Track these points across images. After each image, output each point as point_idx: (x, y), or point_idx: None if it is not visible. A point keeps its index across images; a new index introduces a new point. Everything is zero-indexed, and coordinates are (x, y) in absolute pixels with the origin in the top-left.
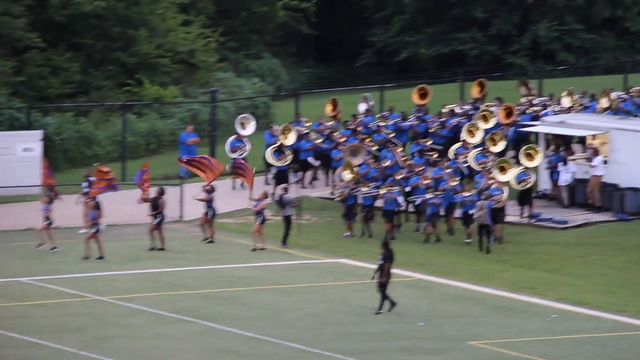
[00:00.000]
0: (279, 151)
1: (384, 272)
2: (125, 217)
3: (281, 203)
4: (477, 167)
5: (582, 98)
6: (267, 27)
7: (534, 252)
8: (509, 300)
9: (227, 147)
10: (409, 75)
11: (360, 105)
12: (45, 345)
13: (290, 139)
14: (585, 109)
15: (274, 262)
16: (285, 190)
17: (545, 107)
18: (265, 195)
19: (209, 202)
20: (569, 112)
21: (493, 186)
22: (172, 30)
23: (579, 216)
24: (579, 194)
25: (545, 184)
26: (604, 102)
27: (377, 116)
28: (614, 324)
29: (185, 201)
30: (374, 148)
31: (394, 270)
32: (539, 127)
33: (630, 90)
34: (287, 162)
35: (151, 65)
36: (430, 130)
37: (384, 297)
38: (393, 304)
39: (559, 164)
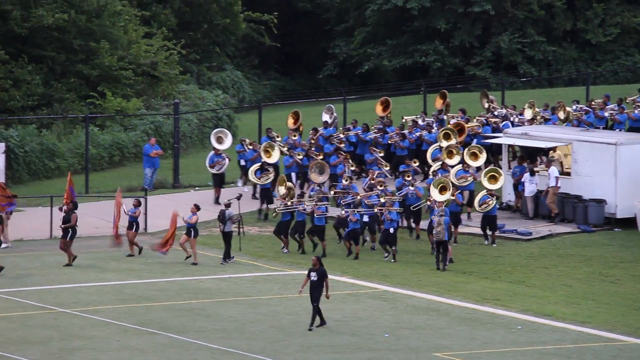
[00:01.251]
0: (262, 169)
1: (326, 288)
2: (88, 229)
3: (222, 219)
4: (457, 182)
5: (544, 111)
6: (229, 39)
7: (498, 264)
8: (474, 312)
9: (207, 162)
10: (372, 87)
11: (324, 115)
12: (9, 357)
13: (274, 157)
14: (546, 121)
15: (239, 274)
16: (228, 206)
17: (505, 118)
18: (198, 209)
19: (134, 217)
20: (530, 124)
21: (482, 194)
22: (134, 42)
23: (543, 228)
24: (542, 206)
25: (509, 196)
26: (560, 115)
27: (340, 129)
28: (578, 335)
29: (149, 213)
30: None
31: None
32: (502, 139)
33: (592, 103)
34: (270, 180)
35: (113, 78)
36: (390, 142)
37: (319, 312)
38: (322, 320)
39: (525, 175)
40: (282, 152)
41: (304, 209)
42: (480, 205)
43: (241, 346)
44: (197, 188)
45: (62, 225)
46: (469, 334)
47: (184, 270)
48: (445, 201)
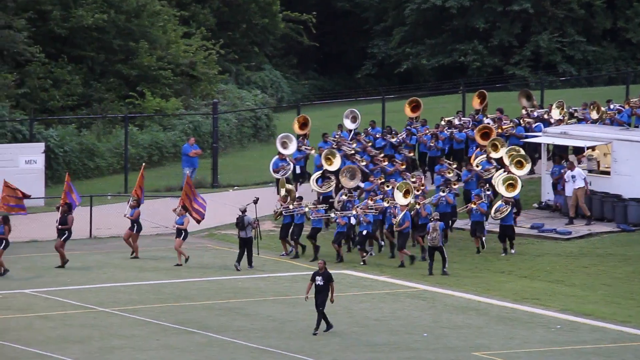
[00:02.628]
0: (323, 177)
1: (331, 292)
2: (118, 230)
3: (242, 225)
4: (484, 175)
5: (584, 109)
6: (268, 38)
7: (537, 263)
8: (513, 311)
9: (271, 166)
10: (410, 86)
11: (345, 121)
12: (49, 356)
13: (336, 165)
14: (579, 121)
15: (278, 273)
16: (244, 211)
17: (539, 120)
18: (186, 211)
19: (135, 218)
20: (558, 125)
21: (479, 202)
22: (173, 42)
23: (582, 227)
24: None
25: (548, 195)
26: (593, 114)
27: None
28: (618, 335)
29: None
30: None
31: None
32: (542, 138)
33: (630, 102)
34: (332, 188)
35: (152, 78)
36: (420, 142)
37: (324, 316)
38: (327, 324)
39: (567, 173)
40: (347, 156)
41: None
42: (495, 213)
43: (280, 345)
44: (235, 188)
45: (59, 226)
46: (507, 333)
47: (223, 269)
48: (408, 204)
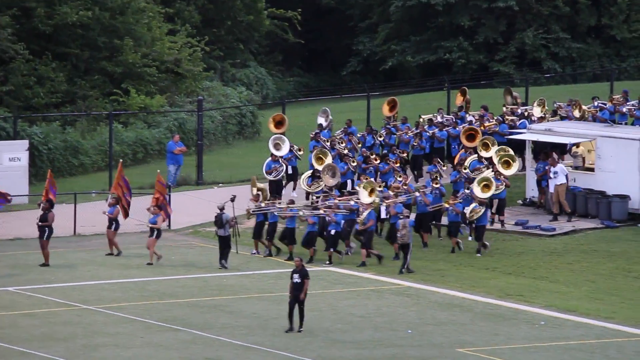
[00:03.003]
0: (313, 176)
1: (303, 290)
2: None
3: (220, 223)
4: (472, 175)
5: (568, 106)
6: (253, 35)
7: (522, 260)
8: (497, 308)
9: (264, 168)
10: (395, 83)
11: (319, 118)
12: (33, 354)
13: (327, 162)
14: (562, 118)
15: (262, 270)
16: (222, 209)
17: (524, 116)
18: (161, 209)
19: (115, 216)
20: (539, 122)
21: (457, 202)
22: (157, 39)
23: (566, 224)
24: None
25: (532, 192)
26: (576, 113)
27: (337, 132)
28: (602, 331)
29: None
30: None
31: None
32: (526, 135)
33: (614, 99)
34: (320, 188)
35: (137, 75)
36: (400, 141)
37: (301, 315)
38: (301, 323)
39: (552, 170)
40: (341, 157)
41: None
42: (469, 213)
43: (264, 342)
44: (220, 185)
45: (39, 223)
46: (492, 329)
47: (208, 266)
48: (372, 203)
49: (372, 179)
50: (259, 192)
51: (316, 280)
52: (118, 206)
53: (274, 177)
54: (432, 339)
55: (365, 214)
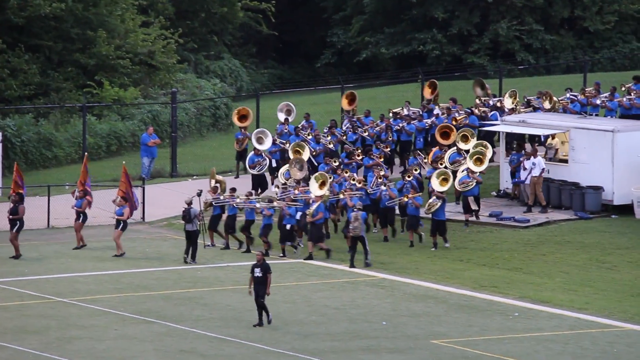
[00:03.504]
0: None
1: (267, 284)
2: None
3: (188, 218)
4: (450, 167)
5: (537, 99)
6: (227, 27)
7: (496, 251)
8: (471, 299)
9: (247, 163)
10: (370, 75)
11: (279, 114)
12: (6, 347)
13: (305, 157)
14: (535, 109)
15: (236, 263)
16: (190, 204)
17: (496, 108)
18: (127, 202)
19: (83, 209)
20: (510, 114)
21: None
22: (131, 31)
23: (540, 215)
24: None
25: (507, 183)
26: (546, 104)
27: (300, 126)
28: (576, 322)
29: (147, 202)
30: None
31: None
32: (500, 127)
33: (586, 91)
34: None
35: (111, 67)
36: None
37: (264, 308)
38: (268, 316)
39: (526, 162)
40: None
41: (236, 204)
42: (426, 207)
43: (239, 334)
44: (194, 177)
45: (10, 217)
46: (466, 321)
47: (181, 259)
48: (322, 196)
49: (353, 173)
50: (218, 185)
51: (290, 272)
52: (86, 199)
53: (258, 171)
54: (407, 331)
55: (314, 206)
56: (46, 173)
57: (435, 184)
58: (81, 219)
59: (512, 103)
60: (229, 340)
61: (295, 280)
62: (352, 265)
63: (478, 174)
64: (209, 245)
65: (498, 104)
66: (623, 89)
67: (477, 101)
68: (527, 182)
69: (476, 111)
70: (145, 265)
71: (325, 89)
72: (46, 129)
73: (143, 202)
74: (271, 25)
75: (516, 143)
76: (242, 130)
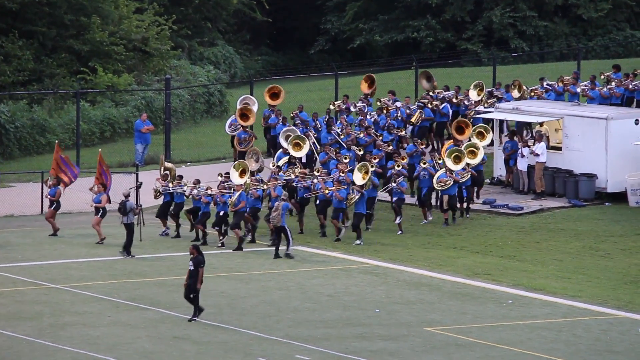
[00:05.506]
0: (289, 163)
1: (199, 278)
2: (79, 205)
3: (123, 210)
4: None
5: (498, 89)
6: (221, 14)
7: (489, 239)
8: (465, 287)
9: (236, 137)
10: (363, 62)
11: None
12: (0, 333)
13: (303, 151)
14: (499, 100)
15: (229, 250)
16: (127, 196)
17: (444, 100)
18: (105, 189)
19: (57, 198)
20: (476, 106)
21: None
22: (125, 17)
23: (534, 202)
24: (532, 181)
25: (500, 170)
26: (514, 93)
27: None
28: (569, 310)
29: (141, 189)
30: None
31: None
32: (494, 114)
33: (564, 79)
34: (292, 176)
35: (104, 53)
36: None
37: (194, 303)
38: (201, 310)
39: (523, 149)
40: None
41: (184, 192)
42: (438, 183)
43: (232, 321)
44: (188, 163)
45: (49, 197)
46: (459, 308)
47: (175, 245)
48: (244, 184)
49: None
50: (167, 172)
51: (283, 259)
52: (59, 187)
53: (244, 147)
54: (400, 318)
55: (236, 195)
56: (40, 159)
57: (357, 177)
58: (54, 206)
59: (478, 95)
60: (223, 327)
61: (288, 267)
62: (276, 256)
63: (456, 173)
64: (163, 233)
65: (454, 99)
66: (602, 77)
67: (428, 94)
68: (522, 169)
69: (431, 104)
70: (139, 252)
71: (319, 75)
72: (40, 115)
73: (137, 189)
74: (265, 11)
75: (509, 131)
76: (246, 129)
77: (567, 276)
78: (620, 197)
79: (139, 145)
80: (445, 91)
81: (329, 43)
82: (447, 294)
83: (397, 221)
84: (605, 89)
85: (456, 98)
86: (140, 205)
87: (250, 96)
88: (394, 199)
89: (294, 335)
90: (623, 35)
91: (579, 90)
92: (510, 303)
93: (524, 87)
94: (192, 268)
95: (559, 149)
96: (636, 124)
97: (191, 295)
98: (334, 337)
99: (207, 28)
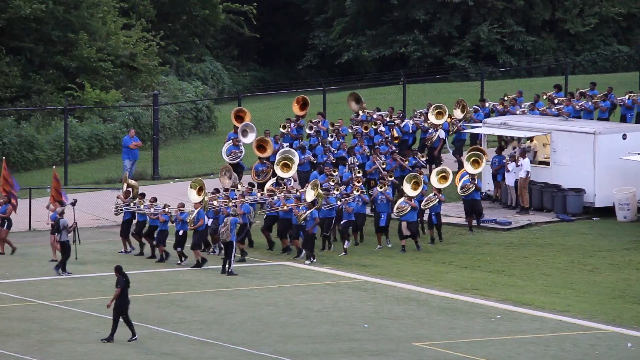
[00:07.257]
0: (277, 184)
1: (113, 297)
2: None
3: (57, 228)
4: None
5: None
6: (209, 30)
7: (477, 253)
8: (453, 301)
9: (225, 152)
10: (351, 77)
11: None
12: None
13: (292, 172)
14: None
15: (219, 265)
16: (62, 214)
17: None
18: (62, 206)
19: (8, 215)
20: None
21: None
22: (112, 34)
23: (521, 217)
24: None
25: (488, 185)
26: (457, 113)
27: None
28: (557, 324)
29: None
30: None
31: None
32: (482, 129)
33: (504, 101)
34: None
35: (92, 69)
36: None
37: (114, 322)
38: (113, 332)
39: (511, 164)
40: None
41: (147, 210)
42: (462, 189)
43: (221, 337)
44: (176, 179)
45: None
46: (448, 323)
47: (164, 262)
48: (202, 202)
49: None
50: (129, 189)
51: (272, 275)
52: (9, 205)
53: (232, 160)
54: (389, 333)
55: (195, 213)
56: (28, 176)
57: (308, 194)
58: (6, 225)
59: (462, 113)
60: (211, 342)
61: (277, 283)
62: (223, 272)
63: (414, 199)
64: (122, 252)
65: (388, 117)
66: (545, 97)
67: (357, 116)
68: (510, 184)
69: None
70: (127, 268)
71: (307, 91)
72: (28, 131)
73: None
74: (253, 27)
75: (497, 146)
76: (264, 160)
77: (556, 291)
78: (608, 212)
79: (127, 161)
80: (376, 112)
81: (316, 58)
82: (435, 309)
83: (346, 245)
84: (554, 109)
85: (390, 117)
86: (75, 223)
87: (249, 123)
88: (342, 222)
89: (282, 351)
90: (610, 50)
91: (518, 112)
92: (498, 318)
93: (469, 108)
94: (120, 288)
95: (547, 163)
96: (624, 138)
97: (121, 315)
98: (322, 352)
99: (194, 44)
